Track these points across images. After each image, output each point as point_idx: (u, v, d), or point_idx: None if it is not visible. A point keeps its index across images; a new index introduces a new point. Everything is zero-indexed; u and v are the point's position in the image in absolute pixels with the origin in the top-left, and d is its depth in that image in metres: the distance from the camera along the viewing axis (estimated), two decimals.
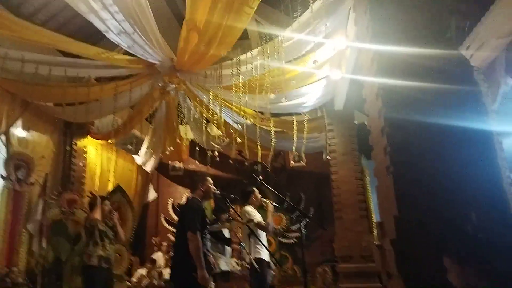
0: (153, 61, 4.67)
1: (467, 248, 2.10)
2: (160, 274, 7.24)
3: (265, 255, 4.66)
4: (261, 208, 4.91)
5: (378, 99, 2.57)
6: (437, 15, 2.72)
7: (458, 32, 3.11)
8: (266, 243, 4.75)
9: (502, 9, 2.88)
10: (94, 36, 5.08)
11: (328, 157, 6.24)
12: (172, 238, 8.42)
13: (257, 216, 4.66)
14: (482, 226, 2.13)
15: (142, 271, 7.31)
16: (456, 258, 2.08)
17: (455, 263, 2.03)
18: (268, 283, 4.57)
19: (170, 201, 9.11)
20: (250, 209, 4.78)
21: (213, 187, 3.93)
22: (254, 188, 4.86)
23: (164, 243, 8.32)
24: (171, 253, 7.05)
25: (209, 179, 3.94)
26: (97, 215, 4.57)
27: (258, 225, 4.55)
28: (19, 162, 5.37)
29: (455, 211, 2.13)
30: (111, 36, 4.15)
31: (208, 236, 5.01)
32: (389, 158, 2.36)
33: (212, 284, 4.31)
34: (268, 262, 4.81)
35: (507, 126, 4.01)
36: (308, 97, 5.44)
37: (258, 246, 4.63)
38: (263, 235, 4.73)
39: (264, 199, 4.88)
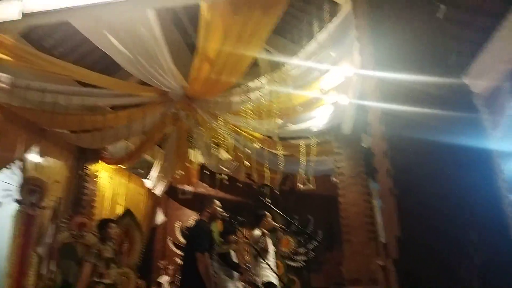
0: (165, 89, 4.88)
1: (468, 268, 2.17)
2: None
3: (273, 278, 4.71)
4: (272, 232, 5.00)
5: (381, 124, 2.69)
6: (438, 43, 2.87)
7: (460, 59, 3.23)
8: (274, 266, 4.81)
9: (506, 35, 2.97)
10: (111, 67, 5.34)
11: (336, 180, 6.32)
12: (179, 261, 8.45)
13: (266, 242, 4.76)
14: (483, 247, 2.20)
15: None
16: (457, 277, 2.15)
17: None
18: None
19: (178, 224, 9.18)
20: (258, 233, 4.87)
21: (220, 209, 4.04)
22: (266, 212, 4.96)
23: (171, 267, 8.35)
24: (178, 277, 7.07)
25: (216, 201, 4.06)
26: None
27: (263, 250, 4.63)
28: (33, 187, 5.51)
29: (456, 232, 2.20)
30: (127, 67, 4.38)
31: (215, 257, 5.10)
32: (391, 180, 2.46)
33: None
34: (276, 286, 4.85)
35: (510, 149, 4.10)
36: (315, 121, 5.58)
37: (266, 269, 4.70)
38: (271, 258, 4.79)
39: (276, 224, 4.98)
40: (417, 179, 2.37)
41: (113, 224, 5.26)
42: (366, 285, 5.42)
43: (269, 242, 4.95)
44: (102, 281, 4.68)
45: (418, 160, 2.40)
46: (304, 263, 7.71)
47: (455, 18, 3.05)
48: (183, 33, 5.41)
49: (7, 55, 3.93)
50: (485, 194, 2.28)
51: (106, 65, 5.18)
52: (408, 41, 2.85)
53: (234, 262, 5.24)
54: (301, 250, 7.84)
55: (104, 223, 5.25)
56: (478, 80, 3.24)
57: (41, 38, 5.06)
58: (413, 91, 2.65)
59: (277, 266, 7.98)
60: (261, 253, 4.54)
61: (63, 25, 4.30)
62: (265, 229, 5.00)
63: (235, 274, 5.22)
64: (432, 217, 2.24)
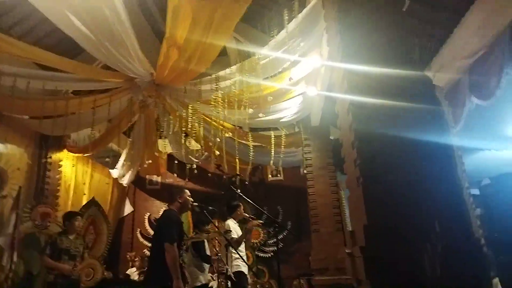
0: (132, 75, 4.73)
1: (431, 255, 2.25)
2: None
3: (244, 268, 4.73)
4: (243, 223, 5.03)
5: (348, 115, 2.72)
6: (403, 37, 2.93)
7: (423, 53, 3.31)
8: (245, 257, 4.82)
9: (466, 30, 3.07)
10: (73, 50, 5.10)
11: (305, 171, 6.39)
12: (147, 253, 8.33)
13: (237, 232, 4.76)
14: (445, 234, 2.28)
15: None
16: (421, 264, 2.22)
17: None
18: None
19: (146, 216, 9.03)
20: (231, 223, 4.87)
21: (190, 199, 3.98)
22: (240, 203, 4.98)
23: (138, 259, 8.23)
24: (146, 267, 6.98)
25: (187, 191, 3.99)
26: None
27: (236, 242, 4.63)
28: None
29: (419, 220, 2.28)
30: (91, 51, 4.20)
31: (190, 248, 5.05)
32: (359, 169, 2.50)
33: None
34: (246, 275, 4.88)
35: (471, 143, 4.27)
36: (286, 112, 5.61)
37: (237, 259, 4.70)
38: (242, 249, 4.80)
39: (247, 215, 5.01)
40: (382, 169, 2.42)
41: (79, 217, 5.16)
42: (333, 274, 5.55)
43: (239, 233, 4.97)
44: (52, 272, 4.66)
45: (383, 151, 2.45)
46: (273, 254, 7.79)
47: (418, 13, 3.12)
48: (151, 20, 5.25)
49: None
50: (446, 185, 2.36)
51: (68, 47, 4.94)
52: (374, 33, 2.89)
53: (205, 253, 5.22)
54: (271, 240, 7.91)
55: (70, 216, 5.12)
56: (440, 74, 3.33)
57: None
58: (379, 83, 2.70)
59: (247, 257, 8.05)
60: (233, 243, 4.53)
61: (21, 3, 4.06)
62: (237, 219, 5.01)
63: (206, 266, 5.20)
64: (398, 206, 2.30)
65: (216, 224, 5.55)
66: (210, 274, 6.44)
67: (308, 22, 3.66)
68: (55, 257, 4.71)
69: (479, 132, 4.36)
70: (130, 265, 8.26)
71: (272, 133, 6.34)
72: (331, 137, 6.51)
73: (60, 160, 6.72)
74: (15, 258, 5.18)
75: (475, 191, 6.44)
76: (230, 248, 4.64)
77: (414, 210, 2.33)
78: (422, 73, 2.91)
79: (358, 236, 2.47)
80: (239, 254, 4.61)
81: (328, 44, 3.52)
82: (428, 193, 2.38)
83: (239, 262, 4.75)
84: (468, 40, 2.99)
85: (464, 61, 3.29)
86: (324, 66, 4.30)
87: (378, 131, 2.54)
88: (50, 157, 6.47)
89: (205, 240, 5.20)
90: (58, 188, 6.62)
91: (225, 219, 5.10)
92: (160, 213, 8.72)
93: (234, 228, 4.87)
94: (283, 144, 6.23)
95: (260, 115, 5.17)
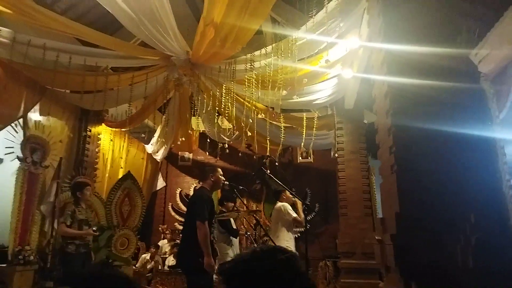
0: (169, 53, 4.80)
1: (464, 247, 2.20)
2: (164, 260, 7.44)
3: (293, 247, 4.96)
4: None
5: (386, 99, 2.66)
6: (449, 18, 2.78)
7: (470, 36, 3.14)
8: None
9: None
10: (112, 26, 5.22)
11: (336, 155, 6.33)
12: (178, 227, 8.63)
13: (294, 213, 5.10)
14: (480, 227, 2.22)
15: (147, 255, 7.52)
16: (452, 256, 2.18)
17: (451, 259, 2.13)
18: None
19: (178, 191, 9.30)
20: (286, 204, 5.22)
21: (222, 178, 4.06)
22: (285, 188, 5.16)
23: (169, 231, 8.55)
24: (177, 241, 7.24)
25: (219, 170, 4.06)
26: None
27: (295, 220, 4.98)
28: (35, 145, 5.54)
29: (454, 211, 2.22)
30: (129, 27, 4.28)
31: (216, 225, 5.20)
32: (394, 157, 2.45)
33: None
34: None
35: None
36: (319, 94, 5.53)
37: (289, 240, 4.95)
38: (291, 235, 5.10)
39: (293, 198, 5.18)
40: (419, 157, 2.36)
41: (89, 187, 5.32)
42: (360, 258, 5.55)
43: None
44: (74, 242, 4.80)
45: (421, 138, 2.38)
46: (300, 234, 7.86)
47: None
48: (191, 1, 5.27)
49: (8, 8, 3.84)
50: (485, 177, 2.28)
51: (107, 23, 5.06)
52: (418, 14, 2.76)
53: (233, 228, 5.38)
54: None
55: (81, 185, 5.26)
56: (485, 60, 3.17)
57: None
58: (421, 66, 2.59)
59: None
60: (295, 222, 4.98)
61: None
62: (284, 203, 5.24)
63: (234, 240, 5.36)
64: (432, 196, 2.25)
65: (245, 203, 5.67)
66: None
67: (349, 2, 3.55)
68: (75, 228, 4.85)
69: None
70: (162, 237, 8.61)
71: (304, 115, 6.29)
72: (365, 121, 6.38)
73: (99, 134, 7.00)
74: (55, 226, 5.52)
75: None
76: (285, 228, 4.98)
77: (449, 201, 2.27)
78: (467, 57, 2.77)
79: (389, 223, 2.45)
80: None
81: (369, 25, 3.41)
82: (465, 184, 2.30)
83: (290, 244, 4.95)
84: None
85: None
86: (363, 48, 4.18)
87: (416, 117, 2.46)
88: (90, 131, 6.76)
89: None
90: (96, 160, 6.93)
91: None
92: (191, 189, 9.00)
93: (291, 210, 5.18)
94: (315, 126, 6.17)
95: (294, 96, 5.12)
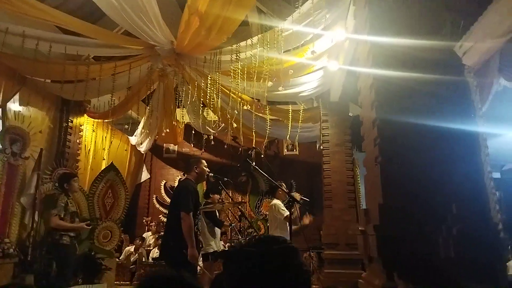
0: (153, 43, 4.70)
1: (446, 237, 2.23)
2: (149, 252, 7.40)
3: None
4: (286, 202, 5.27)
5: (371, 91, 2.66)
6: (434, 11, 2.79)
7: (454, 30, 3.17)
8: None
9: (499, 9, 2.91)
10: (94, 15, 5.07)
11: (321, 147, 6.36)
12: (163, 219, 8.57)
13: (286, 211, 5.06)
14: (461, 217, 2.25)
15: (131, 248, 7.46)
16: (435, 246, 2.21)
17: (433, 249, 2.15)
18: None
19: (162, 183, 9.22)
20: (278, 202, 5.05)
21: (207, 169, 4.03)
22: (280, 184, 5.13)
23: (154, 223, 8.49)
24: (162, 233, 7.20)
25: (204, 161, 4.03)
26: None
27: (287, 219, 4.91)
28: (14, 136, 5.40)
29: (436, 202, 2.24)
30: (112, 15, 4.17)
31: (200, 216, 5.18)
32: (378, 149, 2.46)
33: (200, 262, 4.46)
34: None
35: (495, 126, 4.14)
36: (305, 86, 5.52)
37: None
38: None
39: (290, 193, 5.17)
40: (403, 149, 2.37)
41: (77, 178, 5.26)
42: (343, 249, 5.61)
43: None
44: (68, 234, 4.76)
45: (405, 130, 2.39)
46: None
47: None
48: None
49: None
50: (468, 168, 2.31)
51: (89, 12, 4.92)
52: (404, 6, 2.76)
53: (218, 219, 5.38)
54: None
55: (68, 177, 5.20)
56: (469, 52, 3.20)
57: None
58: (406, 59, 2.59)
59: (259, 228, 8.19)
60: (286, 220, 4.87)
61: None
62: (281, 199, 5.21)
63: (217, 231, 5.35)
64: (415, 187, 2.27)
65: (230, 195, 5.65)
66: (222, 243, 6.62)
67: None
68: (68, 220, 4.83)
69: (504, 115, 4.22)
70: (146, 229, 8.55)
71: (290, 107, 6.28)
72: (350, 114, 6.41)
73: (81, 125, 6.87)
74: (36, 218, 5.40)
75: (496, 175, 6.31)
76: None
77: (432, 192, 2.30)
78: (451, 49, 2.79)
79: (373, 214, 2.47)
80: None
81: (355, 17, 3.40)
82: (448, 176, 2.33)
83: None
84: (502, 19, 2.84)
85: (496, 41, 3.14)
86: (348, 40, 4.17)
87: (401, 109, 2.47)
88: (71, 121, 6.61)
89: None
90: (78, 152, 6.80)
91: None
92: (176, 181, 8.94)
93: (283, 208, 5.13)
94: (300, 118, 6.17)
95: (280, 88, 5.10)
